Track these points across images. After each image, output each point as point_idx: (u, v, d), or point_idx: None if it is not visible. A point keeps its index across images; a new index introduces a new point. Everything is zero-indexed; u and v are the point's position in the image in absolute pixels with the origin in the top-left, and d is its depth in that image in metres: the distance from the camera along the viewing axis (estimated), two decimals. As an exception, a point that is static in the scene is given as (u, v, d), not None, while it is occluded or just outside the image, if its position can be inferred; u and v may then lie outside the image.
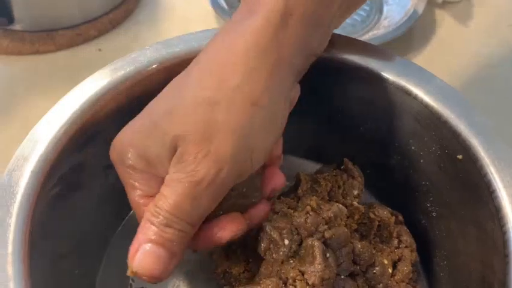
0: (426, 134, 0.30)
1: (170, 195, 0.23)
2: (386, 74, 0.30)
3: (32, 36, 0.48)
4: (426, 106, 0.29)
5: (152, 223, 0.23)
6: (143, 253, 0.23)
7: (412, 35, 0.52)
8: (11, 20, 0.48)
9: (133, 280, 0.33)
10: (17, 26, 0.48)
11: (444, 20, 0.53)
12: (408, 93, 0.30)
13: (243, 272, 0.30)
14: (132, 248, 0.24)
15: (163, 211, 0.23)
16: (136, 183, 0.25)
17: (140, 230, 0.24)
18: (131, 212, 0.35)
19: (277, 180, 0.28)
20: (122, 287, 0.32)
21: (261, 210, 0.27)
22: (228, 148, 0.23)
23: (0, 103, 0.45)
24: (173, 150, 0.24)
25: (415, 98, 0.30)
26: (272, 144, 0.26)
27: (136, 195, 0.25)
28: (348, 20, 0.53)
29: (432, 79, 0.30)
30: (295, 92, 0.28)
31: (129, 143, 0.24)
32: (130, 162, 0.24)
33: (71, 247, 0.30)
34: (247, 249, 0.31)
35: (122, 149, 0.25)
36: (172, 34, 0.33)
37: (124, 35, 0.51)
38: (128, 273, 0.24)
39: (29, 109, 0.44)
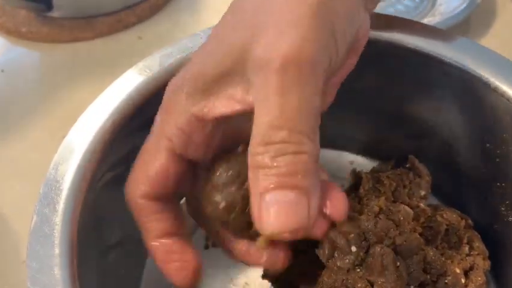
0: (505, 130, 0.27)
1: (261, 112, 0.17)
2: (459, 62, 0.27)
3: (71, 23, 0.47)
4: (508, 99, 0.26)
5: (258, 166, 0.17)
6: (269, 208, 0.17)
7: (470, 23, 0.48)
8: (50, 6, 0.47)
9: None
10: (55, 13, 0.47)
11: (506, 6, 0.49)
12: (486, 84, 0.27)
13: (297, 277, 0.28)
14: (254, 210, 0.18)
15: (261, 136, 0.17)
16: (169, 130, 0.21)
17: (251, 183, 0.18)
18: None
19: (338, 201, 0.21)
20: None
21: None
22: (305, 18, 0.18)
23: (40, 92, 0.44)
24: (243, 62, 0.19)
25: (494, 90, 0.27)
26: (350, 37, 0.21)
27: (162, 143, 0.21)
28: (400, 6, 0.50)
29: (513, 69, 0.27)
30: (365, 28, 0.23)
31: (188, 80, 0.20)
32: (184, 90, 0.20)
33: (117, 241, 0.28)
34: (301, 253, 0.29)
35: (176, 83, 0.21)
36: (214, 21, 0.30)
37: (164, 22, 0.49)
38: (260, 243, 0.18)
39: (69, 98, 0.43)
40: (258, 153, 0.17)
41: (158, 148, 0.21)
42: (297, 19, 0.18)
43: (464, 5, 0.46)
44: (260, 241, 0.19)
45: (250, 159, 0.18)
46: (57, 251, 0.21)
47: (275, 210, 0.17)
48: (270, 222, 0.17)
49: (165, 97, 0.21)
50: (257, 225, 0.18)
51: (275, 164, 0.17)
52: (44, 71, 0.46)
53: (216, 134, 0.21)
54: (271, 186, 0.17)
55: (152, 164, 0.21)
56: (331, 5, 0.19)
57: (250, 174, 0.18)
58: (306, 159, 0.17)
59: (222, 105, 0.20)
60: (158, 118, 0.22)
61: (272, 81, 0.17)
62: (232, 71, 0.19)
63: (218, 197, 0.21)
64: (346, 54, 0.21)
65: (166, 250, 0.22)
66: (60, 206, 0.22)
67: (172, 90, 0.21)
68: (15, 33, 0.47)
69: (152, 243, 0.22)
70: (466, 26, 0.47)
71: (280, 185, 0.17)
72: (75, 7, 0.47)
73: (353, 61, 0.23)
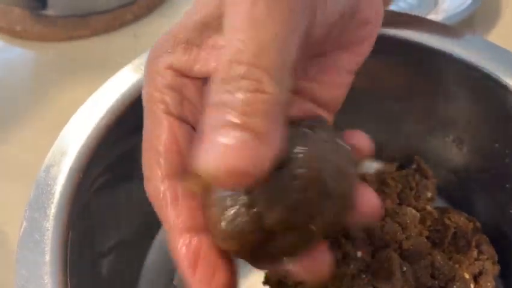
0: (515, 129, 0.26)
1: (225, 45, 0.16)
2: (468, 59, 0.26)
3: (66, 21, 0.46)
4: (518, 97, 0.25)
5: (215, 104, 0.15)
6: (218, 143, 0.15)
7: (474, 20, 0.47)
8: (44, 4, 0.45)
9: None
10: (50, 11, 0.46)
11: (510, 3, 0.48)
12: (495, 81, 0.26)
13: (299, 283, 0.27)
14: (200, 149, 0.15)
15: (220, 72, 0.15)
16: (159, 94, 0.18)
17: (205, 120, 0.15)
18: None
19: (371, 198, 0.18)
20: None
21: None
22: None
23: (34, 92, 0.43)
24: (222, 14, 0.17)
25: (504, 87, 0.25)
26: None
27: (157, 108, 0.18)
28: (402, 4, 0.49)
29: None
30: None
31: (169, 37, 0.19)
32: (164, 58, 0.18)
33: (111, 247, 0.27)
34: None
35: (157, 47, 0.19)
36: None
37: (161, 20, 0.48)
38: (192, 183, 0.15)
39: (63, 97, 0.41)
40: (215, 90, 0.15)
41: (156, 117, 0.18)
42: None
43: (468, 2, 0.45)
44: (191, 182, 0.16)
45: (207, 97, 0.16)
46: (47, 258, 0.20)
47: (218, 148, 0.15)
48: (208, 159, 0.15)
49: (146, 65, 0.19)
50: (195, 162, 0.15)
51: (230, 100, 0.15)
52: (38, 70, 0.45)
53: None
54: (222, 123, 0.15)
55: (157, 137, 0.18)
56: None
57: (205, 111, 0.16)
58: (267, 99, 0.15)
59: (207, 56, 0.18)
60: (144, 91, 0.19)
61: (240, 12, 0.15)
62: (213, 18, 0.18)
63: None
64: (337, 16, 0.19)
65: (193, 251, 0.17)
66: (52, 210, 0.21)
67: (153, 56, 0.19)
68: (9, 32, 0.46)
69: (179, 239, 0.17)
70: (470, 23, 0.46)
71: (232, 124, 0.15)
72: (70, 5, 0.46)
73: (364, 49, 0.21)
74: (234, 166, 0.14)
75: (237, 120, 0.15)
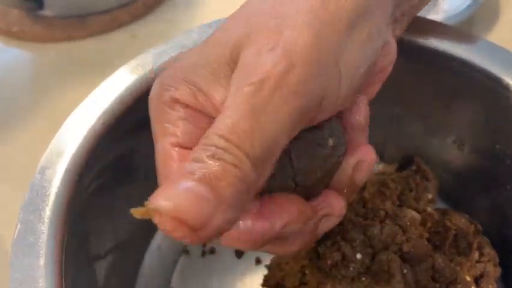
0: (516, 130, 0.26)
1: (223, 117, 0.16)
2: (468, 59, 0.26)
3: (64, 22, 0.45)
4: (522, 98, 0.25)
5: (193, 159, 0.16)
6: (177, 189, 0.15)
7: (473, 21, 0.47)
8: (41, 5, 0.45)
9: (173, 289, 0.30)
10: (47, 12, 0.46)
11: (510, 4, 0.48)
12: (496, 81, 0.25)
13: (299, 286, 0.27)
14: (160, 188, 0.15)
15: (212, 138, 0.16)
16: (170, 127, 0.18)
17: (174, 173, 0.16)
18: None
19: (365, 151, 0.20)
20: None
21: (330, 201, 0.19)
22: (302, 39, 0.16)
23: (32, 92, 0.42)
24: (234, 64, 0.18)
25: (506, 87, 0.25)
26: (364, 70, 0.19)
27: (167, 142, 0.18)
28: (402, 4, 0.49)
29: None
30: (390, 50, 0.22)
31: (178, 73, 0.19)
32: (172, 93, 0.18)
33: (107, 250, 0.27)
34: (302, 259, 0.27)
35: (166, 81, 0.19)
36: (209, 19, 0.29)
37: (159, 21, 0.47)
38: (137, 210, 0.15)
39: (61, 98, 0.41)
40: (202, 147, 0.16)
41: (166, 150, 0.18)
42: (295, 39, 0.16)
43: (468, 2, 0.45)
44: (138, 208, 0.15)
45: (193, 151, 0.16)
46: (42, 261, 0.19)
47: (178, 192, 0.15)
48: (164, 196, 0.15)
49: (154, 96, 0.19)
50: (152, 196, 0.15)
51: (205, 161, 0.15)
52: (35, 71, 0.44)
53: None
54: (191, 175, 0.15)
55: (169, 170, 0.18)
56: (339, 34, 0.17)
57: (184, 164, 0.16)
58: (241, 176, 0.15)
59: (210, 109, 0.18)
60: (154, 125, 0.19)
61: (243, 95, 0.16)
62: (221, 72, 0.18)
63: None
64: (358, 88, 0.19)
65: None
66: (46, 213, 0.21)
67: (163, 88, 0.19)
68: (6, 33, 0.46)
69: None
70: (470, 23, 0.46)
71: (199, 179, 0.15)
72: (67, 5, 0.46)
73: (373, 90, 0.22)
74: (182, 212, 0.14)
75: (204, 176, 0.15)
